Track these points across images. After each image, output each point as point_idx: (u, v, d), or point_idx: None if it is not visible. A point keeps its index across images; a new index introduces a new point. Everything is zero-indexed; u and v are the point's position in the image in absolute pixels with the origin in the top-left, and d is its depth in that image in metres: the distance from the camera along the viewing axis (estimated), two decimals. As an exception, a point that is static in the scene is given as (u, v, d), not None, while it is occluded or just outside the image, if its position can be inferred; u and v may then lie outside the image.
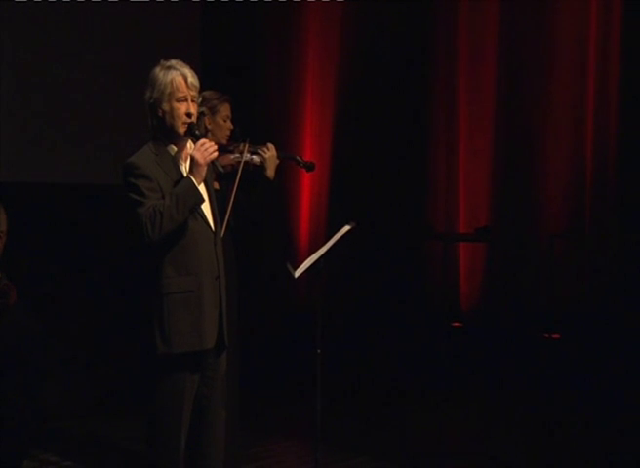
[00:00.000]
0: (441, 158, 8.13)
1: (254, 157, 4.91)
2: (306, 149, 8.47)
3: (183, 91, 3.90)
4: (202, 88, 4.10)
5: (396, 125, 8.20)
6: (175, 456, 3.91)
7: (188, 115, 3.90)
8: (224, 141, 4.92)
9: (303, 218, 8.63)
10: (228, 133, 4.94)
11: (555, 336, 7.20)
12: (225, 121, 4.92)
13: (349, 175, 8.41)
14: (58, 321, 6.51)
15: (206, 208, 3.97)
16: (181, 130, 3.91)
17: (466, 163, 7.97)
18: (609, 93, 7.31)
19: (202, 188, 3.90)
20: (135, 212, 3.79)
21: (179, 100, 3.90)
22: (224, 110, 4.92)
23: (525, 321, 7.47)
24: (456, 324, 7.80)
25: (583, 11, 7.40)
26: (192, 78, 3.93)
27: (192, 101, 3.93)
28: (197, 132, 3.94)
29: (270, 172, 4.91)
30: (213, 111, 4.89)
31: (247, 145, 4.85)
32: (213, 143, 3.94)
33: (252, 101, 8.34)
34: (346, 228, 4.89)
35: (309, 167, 5.20)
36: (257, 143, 4.94)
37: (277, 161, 4.95)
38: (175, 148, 3.96)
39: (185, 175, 3.91)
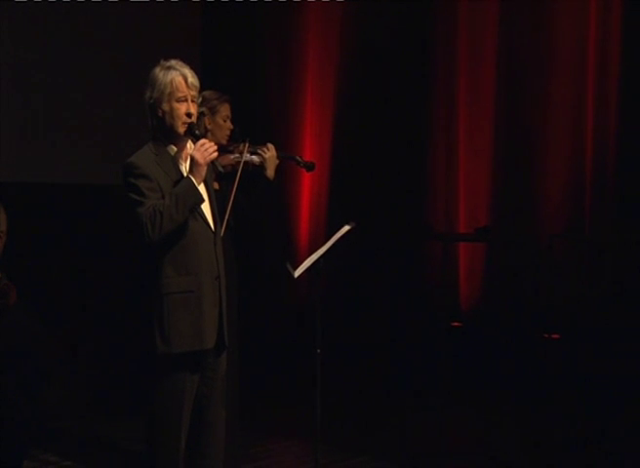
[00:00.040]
0: (441, 158, 8.14)
1: (253, 157, 4.92)
2: (306, 149, 8.47)
3: (183, 91, 3.90)
4: (202, 88, 4.10)
5: (396, 125, 8.20)
6: (174, 456, 3.91)
7: (188, 115, 3.90)
8: (224, 141, 4.92)
9: (303, 218, 8.63)
10: (228, 133, 4.94)
11: (555, 336, 7.20)
12: (225, 121, 4.92)
13: (349, 176, 8.41)
14: (58, 321, 6.51)
15: (206, 208, 3.97)
16: (181, 130, 3.91)
17: (466, 163, 7.97)
18: (608, 92, 7.31)
19: (202, 188, 3.90)
20: (135, 211, 3.79)
21: (178, 100, 3.90)
22: (224, 110, 4.92)
23: (524, 321, 7.47)
24: (455, 324, 7.80)
25: (583, 11, 7.41)
26: (192, 78, 3.93)
27: (192, 101, 3.93)
28: (197, 132, 3.94)
29: (270, 172, 4.91)
30: (213, 111, 4.89)
31: (247, 145, 4.85)
32: (213, 143, 3.94)
33: (252, 101, 8.35)
34: (346, 228, 4.89)
35: (309, 167, 5.20)
36: (256, 143, 4.94)
37: (277, 161, 4.95)
38: (175, 148, 3.96)
39: (185, 174, 3.91)
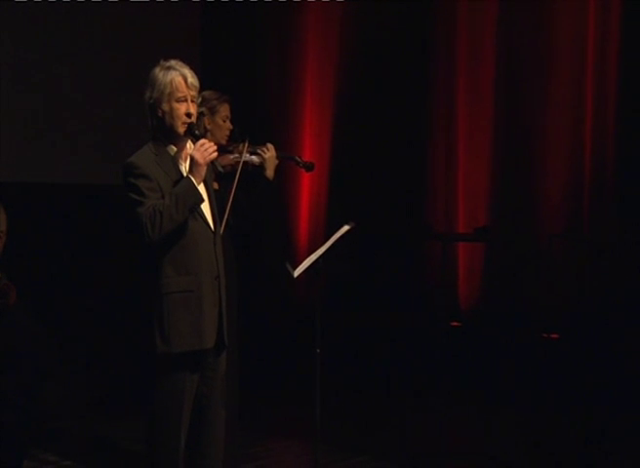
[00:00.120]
0: (440, 158, 8.14)
1: (253, 157, 4.92)
2: (306, 149, 8.48)
3: (183, 91, 3.90)
4: (202, 88, 4.10)
5: (395, 125, 8.20)
6: (174, 456, 3.91)
7: (188, 115, 3.90)
8: (224, 142, 4.93)
9: (303, 218, 8.63)
10: (228, 133, 4.94)
11: (554, 336, 7.21)
12: (225, 121, 4.93)
13: (349, 176, 8.41)
14: (58, 321, 6.51)
15: (205, 208, 3.97)
16: (181, 130, 3.92)
17: (465, 163, 7.98)
18: (607, 93, 7.31)
19: (202, 188, 3.90)
20: (135, 211, 3.80)
21: (178, 101, 3.90)
22: (224, 110, 4.92)
23: (524, 320, 7.47)
24: (455, 323, 7.80)
25: (582, 11, 7.41)
26: (192, 78, 3.94)
27: (192, 102, 3.93)
28: (197, 132, 3.95)
29: (270, 172, 4.92)
30: (212, 111, 4.89)
31: (246, 145, 4.86)
32: (212, 143, 3.94)
33: (252, 101, 8.35)
34: (345, 228, 4.89)
35: (309, 167, 5.20)
36: (256, 143, 4.94)
37: (276, 161, 4.96)
38: (174, 148, 3.96)
39: (185, 174, 3.91)
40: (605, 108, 7.32)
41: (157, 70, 3.94)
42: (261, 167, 4.92)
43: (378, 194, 8.24)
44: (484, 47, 7.89)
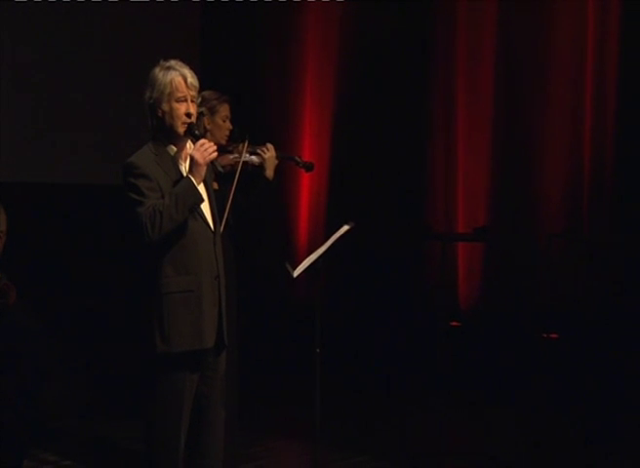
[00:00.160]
0: (440, 158, 8.14)
1: (253, 157, 4.93)
2: (305, 149, 8.48)
3: (183, 91, 3.91)
4: (201, 88, 4.10)
5: (395, 125, 8.20)
6: (174, 456, 3.91)
7: (188, 115, 3.91)
8: (224, 142, 4.93)
9: (302, 218, 8.64)
10: (227, 133, 4.95)
11: (553, 336, 7.21)
12: (225, 121, 4.93)
13: (348, 176, 8.41)
14: (58, 321, 6.52)
15: (205, 208, 3.97)
16: (181, 130, 3.92)
17: (465, 163, 7.98)
18: (606, 93, 7.31)
19: (201, 188, 3.91)
20: (134, 211, 3.80)
21: (178, 101, 3.90)
22: (224, 110, 4.92)
23: (523, 320, 7.47)
24: (454, 323, 7.80)
25: (581, 11, 7.41)
26: (192, 78, 3.94)
27: (192, 102, 3.93)
28: (197, 132, 3.95)
29: (269, 172, 4.92)
30: (212, 111, 4.89)
31: (246, 145, 4.86)
32: (212, 143, 3.95)
33: (251, 102, 8.35)
34: (345, 228, 4.90)
35: (308, 167, 5.21)
36: (256, 143, 4.95)
37: (276, 161, 4.96)
38: (174, 148, 3.97)
39: (185, 174, 3.91)
40: (604, 108, 7.32)
41: (157, 70, 3.94)
42: (261, 167, 4.92)
43: (377, 194, 8.24)
44: (484, 47, 7.89)
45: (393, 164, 8.22)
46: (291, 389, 7.39)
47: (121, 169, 3.89)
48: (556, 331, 7.22)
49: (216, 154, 3.95)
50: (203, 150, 3.90)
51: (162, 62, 3.96)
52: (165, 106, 3.90)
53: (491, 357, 7.38)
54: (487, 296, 7.82)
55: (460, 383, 6.98)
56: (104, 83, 7.56)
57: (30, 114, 7.24)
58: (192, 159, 3.91)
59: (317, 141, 8.55)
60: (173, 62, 3.95)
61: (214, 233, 3.99)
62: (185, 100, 3.91)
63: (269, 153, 4.93)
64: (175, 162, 3.95)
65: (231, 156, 4.90)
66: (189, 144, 3.98)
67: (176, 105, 3.90)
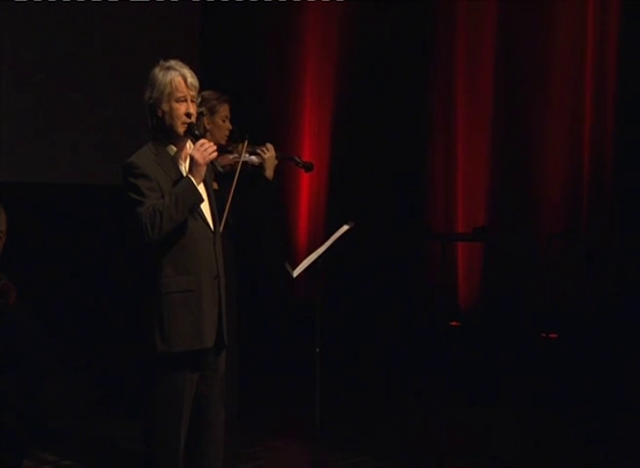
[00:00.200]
0: (440, 158, 8.14)
1: (252, 157, 4.93)
2: (305, 149, 8.48)
3: (183, 91, 3.91)
4: (201, 88, 4.10)
5: (395, 125, 8.21)
6: (174, 456, 3.92)
7: (188, 115, 3.91)
8: (223, 142, 4.93)
9: (302, 218, 8.64)
10: (227, 133, 4.95)
11: (553, 336, 7.21)
12: (224, 121, 4.93)
13: (348, 176, 8.42)
14: (58, 321, 6.52)
15: (205, 208, 3.98)
16: (181, 130, 3.92)
17: (465, 163, 7.98)
18: (606, 93, 7.31)
19: (201, 188, 3.91)
20: (134, 211, 3.80)
21: (178, 101, 3.90)
22: (223, 110, 4.92)
23: (523, 320, 7.48)
24: (454, 323, 7.81)
25: (581, 11, 7.41)
26: (191, 78, 3.94)
27: (191, 102, 3.93)
28: (196, 132, 3.95)
29: (269, 172, 4.92)
30: (212, 111, 4.89)
31: (246, 145, 4.86)
32: (212, 143, 3.95)
33: (251, 102, 8.35)
34: (345, 228, 4.90)
35: (308, 167, 5.21)
36: (256, 144, 4.95)
37: (276, 161, 4.96)
38: (174, 148, 3.97)
39: (185, 174, 3.92)
40: (604, 108, 7.32)
41: (157, 70, 3.94)
42: (261, 167, 4.92)
43: (377, 194, 8.24)
44: (483, 47, 7.90)
45: (393, 164, 8.23)
46: (291, 389, 7.38)
47: (121, 169, 3.90)
48: (556, 330, 7.23)
49: (215, 154, 3.95)
50: (203, 150, 3.90)
51: (162, 62, 3.96)
52: (165, 106, 3.90)
53: (490, 357, 7.38)
54: (487, 296, 7.82)
55: (459, 383, 6.98)
56: (104, 83, 7.56)
57: (30, 114, 7.25)
58: (192, 159, 3.91)
59: (317, 141, 8.55)
60: (173, 62, 3.95)
61: (213, 233, 3.99)
62: (185, 100, 3.91)
63: (269, 153, 4.93)
64: (175, 162, 3.95)
65: (231, 156, 4.90)
66: (189, 144, 3.98)
67: (175, 105, 3.90)
